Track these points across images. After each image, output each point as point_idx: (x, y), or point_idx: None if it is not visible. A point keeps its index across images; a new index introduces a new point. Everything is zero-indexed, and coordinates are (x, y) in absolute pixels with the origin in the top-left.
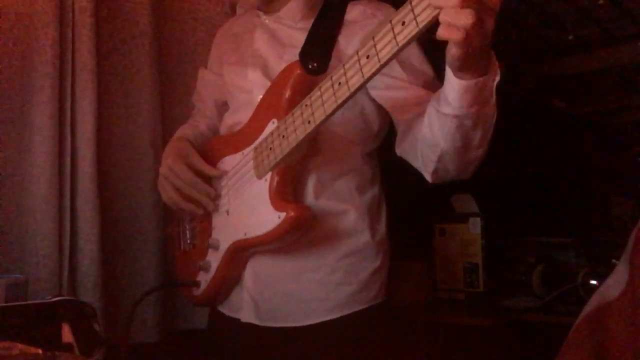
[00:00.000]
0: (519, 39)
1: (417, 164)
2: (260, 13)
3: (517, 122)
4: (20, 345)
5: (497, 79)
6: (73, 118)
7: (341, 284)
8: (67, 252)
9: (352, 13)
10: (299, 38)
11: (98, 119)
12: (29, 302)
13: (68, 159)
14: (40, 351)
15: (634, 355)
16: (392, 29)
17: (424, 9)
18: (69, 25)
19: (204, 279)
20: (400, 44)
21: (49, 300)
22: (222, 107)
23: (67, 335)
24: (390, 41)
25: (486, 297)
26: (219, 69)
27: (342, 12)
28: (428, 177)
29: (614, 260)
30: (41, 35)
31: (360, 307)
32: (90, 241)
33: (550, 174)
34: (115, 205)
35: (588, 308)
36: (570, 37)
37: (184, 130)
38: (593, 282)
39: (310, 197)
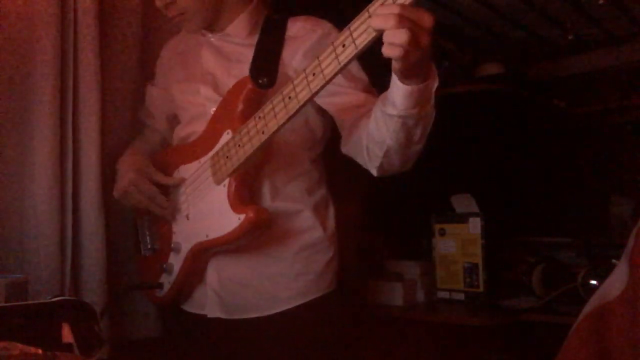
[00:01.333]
0: (519, 39)
1: (361, 160)
2: (206, 31)
3: (517, 122)
4: (20, 345)
5: (436, 84)
6: (75, 118)
7: (299, 275)
8: (69, 252)
9: (293, 29)
10: (246, 54)
11: (102, 119)
12: (29, 302)
13: (70, 159)
14: (40, 351)
15: (635, 354)
16: (334, 50)
17: (361, 34)
18: (71, 25)
19: (167, 280)
20: (342, 63)
21: (49, 300)
22: (174, 120)
23: (67, 335)
24: (333, 61)
25: (486, 297)
26: (167, 85)
27: (284, 28)
28: (374, 172)
29: (614, 260)
30: (42, 35)
31: (317, 295)
32: (95, 241)
33: (550, 173)
34: (118, 205)
35: (588, 308)
36: (570, 37)
37: (138, 145)
38: (593, 282)
39: (266, 199)
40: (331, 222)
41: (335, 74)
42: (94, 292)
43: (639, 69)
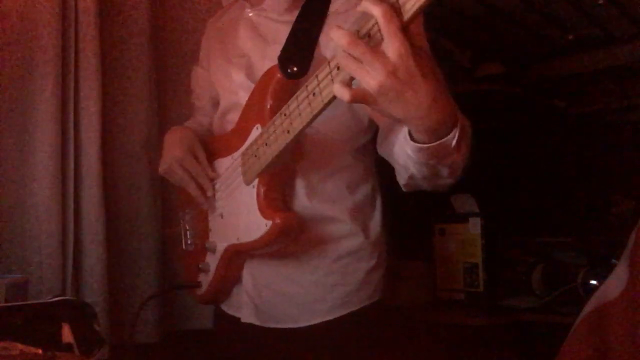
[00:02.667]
0: (519, 39)
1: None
2: (247, 5)
3: (517, 122)
4: (20, 345)
5: (454, 142)
6: (76, 117)
7: (337, 285)
8: (70, 251)
9: (336, 3)
10: (284, 32)
11: (103, 119)
12: (29, 302)
13: (71, 158)
14: (40, 351)
15: (634, 354)
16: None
17: None
18: (72, 24)
19: (205, 280)
20: None
21: (49, 300)
22: (218, 103)
23: (67, 335)
24: None
25: (486, 297)
26: (208, 65)
27: (327, 2)
28: (402, 187)
29: (614, 260)
30: (43, 34)
31: (357, 307)
32: (96, 241)
33: (550, 174)
34: (118, 205)
35: (588, 308)
36: (570, 37)
37: (190, 124)
38: (593, 282)
39: (302, 200)
40: (375, 225)
41: None
42: (94, 292)
43: (639, 69)
